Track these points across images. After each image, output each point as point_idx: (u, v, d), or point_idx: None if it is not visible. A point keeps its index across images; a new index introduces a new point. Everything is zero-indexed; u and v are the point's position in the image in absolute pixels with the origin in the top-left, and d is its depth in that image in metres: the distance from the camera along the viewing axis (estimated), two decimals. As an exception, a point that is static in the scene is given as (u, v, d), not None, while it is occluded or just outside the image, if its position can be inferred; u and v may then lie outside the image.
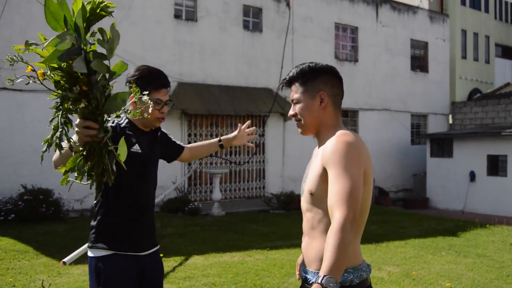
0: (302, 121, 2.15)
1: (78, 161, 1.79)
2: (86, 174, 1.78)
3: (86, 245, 2.82)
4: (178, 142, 2.89)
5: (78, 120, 1.75)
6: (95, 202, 2.49)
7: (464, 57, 20.30)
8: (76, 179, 1.81)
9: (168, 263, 6.30)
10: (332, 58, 15.19)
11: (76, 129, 1.74)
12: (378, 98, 16.32)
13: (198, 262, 6.45)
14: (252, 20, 13.82)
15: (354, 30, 15.99)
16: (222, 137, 3.05)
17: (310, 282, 2.03)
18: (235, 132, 3.09)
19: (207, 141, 3.04)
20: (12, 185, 9.63)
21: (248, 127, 3.15)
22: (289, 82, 2.19)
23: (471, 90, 20.30)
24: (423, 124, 18.00)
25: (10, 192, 9.50)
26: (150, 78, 2.47)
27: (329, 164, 1.93)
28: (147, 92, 1.99)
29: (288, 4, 14.21)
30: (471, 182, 14.33)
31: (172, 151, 2.84)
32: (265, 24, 13.84)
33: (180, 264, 6.33)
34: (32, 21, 10.39)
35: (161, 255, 6.60)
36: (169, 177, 11.85)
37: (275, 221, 10.12)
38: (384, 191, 15.70)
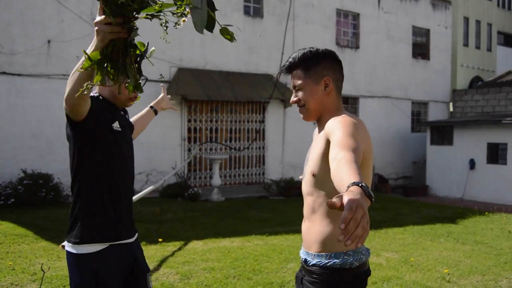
0: (306, 107, 2.14)
1: (98, 60, 1.58)
2: (110, 75, 1.59)
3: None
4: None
5: (99, 17, 1.56)
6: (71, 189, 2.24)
7: (466, 44, 20.17)
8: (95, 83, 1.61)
9: (167, 248, 6.32)
10: (333, 44, 15.10)
11: (97, 27, 1.57)
12: (379, 85, 16.26)
13: (197, 247, 6.47)
14: (253, 5, 13.71)
15: (356, 16, 15.89)
16: (152, 103, 2.97)
17: (310, 263, 2.04)
18: (161, 94, 3.02)
19: (143, 113, 2.89)
20: (12, 170, 9.63)
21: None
22: (289, 68, 2.17)
23: (472, 78, 20.22)
24: (423, 111, 17.96)
25: (10, 176, 9.51)
26: None
27: (333, 131, 1.89)
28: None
29: (289, -10, 14.10)
30: (471, 170, 14.35)
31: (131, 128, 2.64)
32: (266, 10, 13.74)
33: (179, 249, 6.35)
34: (31, 4, 10.32)
35: (160, 240, 6.64)
36: (169, 162, 11.87)
37: (274, 207, 10.14)
38: (383, 178, 15.72)
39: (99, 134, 2.16)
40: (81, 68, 1.62)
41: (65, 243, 2.20)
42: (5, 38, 10.03)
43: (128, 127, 2.45)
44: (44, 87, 10.35)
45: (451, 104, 18.51)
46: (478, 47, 20.74)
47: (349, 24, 15.86)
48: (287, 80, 2.32)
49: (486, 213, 10.21)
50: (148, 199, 8.97)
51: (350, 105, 15.75)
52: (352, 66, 15.47)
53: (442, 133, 15.39)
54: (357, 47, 15.85)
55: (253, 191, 12.28)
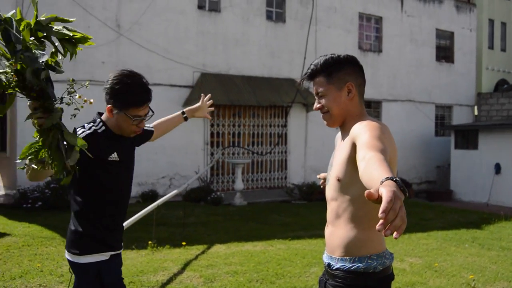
0: (330, 113, 2.15)
1: (32, 145, 1.86)
2: (46, 159, 1.86)
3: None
4: (147, 127, 2.78)
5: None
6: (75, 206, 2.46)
7: (491, 47, 19.87)
8: (34, 165, 1.89)
9: (191, 252, 6.39)
10: (355, 48, 15.06)
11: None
12: (402, 89, 16.14)
13: (220, 251, 6.53)
14: (276, 10, 13.77)
15: (379, 20, 15.81)
16: (185, 109, 3.03)
17: (333, 268, 2.07)
18: (199, 103, 3.08)
19: (172, 116, 2.99)
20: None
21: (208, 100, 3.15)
22: (312, 75, 2.18)
23: (497, 81, 19.90)
24: (447, 115, 17.74)
25: (37, 180, 9.71)
26: (131, 94, 2.35)
27: (360, 134, 1.90)
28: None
29: (311, -6, 14.12)
30: (496, 174, 14.11)
31: (143, 138, 2.76)
32: (288, 15, 13.79)
33: (203, 252, 6.42)
34: (59, 12, 10.49)
35: (184, 243, 6.71)
36: (192, 167, 11.98)
37: (297, 211, 10.15)
38: (407, 182, 15.56)
39: (93, 167, 2.33)
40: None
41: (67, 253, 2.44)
42: (33, 45, 10.26)
43: (129, 148, 2.59)
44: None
45: (476, 107, 18.24)
46: (503, 49, 20.42)
47: (371, 27, 15.80)
48: (309, 84, 2.33)
49: (513, 218, 10.04)
50: (172, 203, 9.06)
51: (373, 109, 15.66)
52: (375, 69, 15.40)
53: (466, 137, 15.18)
54: (379, 50, 15.77)
55: (276, 196, 12.30)
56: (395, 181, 1.38)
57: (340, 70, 2.13)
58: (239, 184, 11.11)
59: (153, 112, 2.48)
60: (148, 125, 2.81)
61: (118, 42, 11.20)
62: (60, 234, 7.03)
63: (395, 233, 1.26)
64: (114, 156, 2.41)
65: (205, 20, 12.47)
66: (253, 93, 12.65)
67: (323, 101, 2.16)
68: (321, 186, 2.69)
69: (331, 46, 14.35)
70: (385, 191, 1.29)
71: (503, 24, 20.45)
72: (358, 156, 1.76)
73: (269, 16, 13.62)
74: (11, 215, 8.40)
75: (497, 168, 14.10)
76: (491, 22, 19.95)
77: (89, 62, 10.80)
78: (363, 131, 1.90)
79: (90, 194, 2.40)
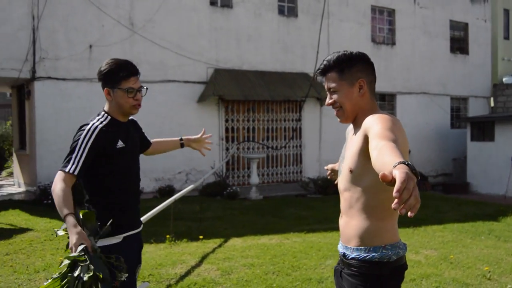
0: (343, 109, 2.20)
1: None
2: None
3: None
4: (148, 137, 3.02)
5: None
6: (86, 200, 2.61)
7: (506, 37, 19.64)
8: None
9: (208, 245, 6.49)
10: (368, 41, 15.02)
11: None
12: (416, 81, 16.07)
13: (237, 244, 6.62)
14: (287, 5, 13.79)
15: (391, 12, 15.74)
16: (184, 137, 3.22)
17: (349, 257, 2.13)
18: (198, 135, 3.30)
19: (170, 139, 3.20)
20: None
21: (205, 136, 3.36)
22: (324, 71, 2.23)
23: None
24: (463, 107, 17.62)
25: (56, 177, 9.91)
26: (118, 70, 2.56)
27: (372, 125, 1.95)
28: None
29: (323, -12, 14.10)
30: (513, 166, 13.99)
31: (142, 145, 2.96)
32: (300, 9, 13.80)
33: (220, 245, 6.52)
34: (73, 11, 10.71)
35: (201, 237, 6.82)
36: (208, 162, 12.08)
37: (312, 205, 10.20)
38: (422, 175, 15.50)
39: (106, 158, 2.56)
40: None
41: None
42: (49, 44, 10.46)
43: (134, 136, 2.77)
44: (86, 90, 10.73)
45: (492, 99, 18.07)
46: (519, 39, 20.18)
47: (384, 20, 15.73)
48: (322, 79, 2.37)
49: (530, 210, 9.98)
50: (188, 197, 9.18)
51: (387, 102, 15.62)
52: (388, 62, 15.34)
53: (482, 129, 15.06)
54: (393, 43, 15.70)
55: (291, 189, 12.37)
56: (407, 164, 1.44)
57: (353, 67, 2.17)
58: (255, 179, 11.20)
59: (146, 88, 2.68)
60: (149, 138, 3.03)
61: (132, 40, 11.32)
62: (80, 229, 7.18)
63: (409, 212, 1.33)
64: (120, 143, 2.59)
65: (218, 16, 12.54)
66: (267, 88, 12.71)
67: (335, 96, 2.20)
68: (328, 177, 2.83)
69: (343, 39, 14.33)
70: (398, 173, 1.37)
71: (519, 14, 20.20)
72: (370, 146, 1.82)
73: (281, 11, 13.64)
74: (33, 211, 8.60)
75: (514, 160, 13.98)
76: (506, 12, 19.71)
77: (104, 60, 10.86)
78: (375, 123, 1.95)
79: (101, 181, 2.57)
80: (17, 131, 12.53)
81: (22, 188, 11.68)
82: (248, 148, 12.96)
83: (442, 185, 15.84)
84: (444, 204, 10.89)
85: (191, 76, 11.99)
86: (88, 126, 2.53)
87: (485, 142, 14.93)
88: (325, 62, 2.22)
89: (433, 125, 16.41)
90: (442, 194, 14.00)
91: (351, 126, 2.32)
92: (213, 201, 10.39)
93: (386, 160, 1.58)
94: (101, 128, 2.53)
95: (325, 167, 2.96)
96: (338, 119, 2.26)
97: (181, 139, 3.19)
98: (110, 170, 2.57)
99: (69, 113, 10.57)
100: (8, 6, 10.13)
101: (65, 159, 2.51)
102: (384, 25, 15.77)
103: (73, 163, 2.47)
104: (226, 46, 12.62)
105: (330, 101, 2.23)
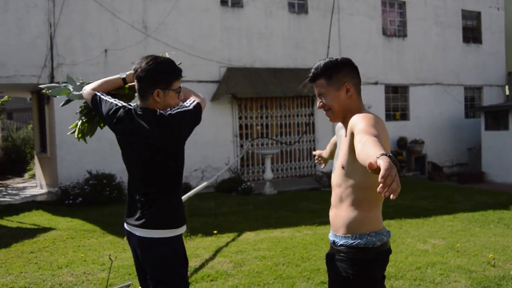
0: (332, 110, 2.44)
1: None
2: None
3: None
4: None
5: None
6: (150, 190, 2.63)
7: (521, 24, 19.47)
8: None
9: (222, 239, 6.76)
10: (379, 34, 15.10)
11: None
12: (429, 72, 16.09)
13: (249, 238, 6.87)
14: (298, 2, 13.95)
15: (402, 4, 15.77)
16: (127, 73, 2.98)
17: (338, 244, 2.38)
18: None
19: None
20: (79, 171, 10.42)
21: None
22: (313, 79, 2.46)
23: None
24: (477, 96, 17.56)
25: (77, 177, 10.30)
26: (171, 70, 2.62)
27: (357, 123, 2.19)
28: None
29: (333, -17, 14.22)
30: (529, 154, 13.98)
31: None
32: (310, 5, 13.94)
33: (233, 239, 6.78)
34: (89, 18, 11.05)
35: (215, 232, 7.09)
36: (222, 158, 12.36)
37: (325, 198, 10.29)
38: (437, 166, 15.57)
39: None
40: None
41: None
42: (66, 50, 10.82)
43: None
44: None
45: (507, 87, 17.97)
46: (534, 26, 19.96)
47: (395, 12, 15.78)
48: (312, 85, 2.48)
49: (542, 197, 10.03)
50: (204, 194, 9.46)
51: (400, 94, 15.69)
52: (400, 54, 15.41)
53: (497, 118, 15.05)
54: (404, 35, 15.74)
55: (305, 184, 12.58)
56: (389, 156, 1.69)
57: (339, 72, 2.40)
58: (269, 174, 11.43)
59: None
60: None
61: (145, 42, 11.63)
62: (100, 227, 7.52)
63: (392, 195, 1.58)
64: None
65: (229, 16, 12.78)
66: (279, 85, 12.92)
67: (325, 100, 2.44)
68: (316, 162, 3.16)
69: (354, 33, 14.45)
70: (383, 162, 1.62)
71: (534, 0, 19.97)
72: (355, 140, 2.06)
73: (291, 8, 13.81)
74: (55, 211, 8.98)
75: (529, 148, 13.97)
76: (521, -2, 19.52)
77: (119, 64, 11.26)
78: (359, 121, 2.19)
79: (180, 171, 2.74)
80: (38, 135, 12.96)
81: (44, 190, 12.10)
82: (262, 144, 13.20)
83: (457, 175, 15.88)
84: (457, 194, 10.97)
85: (204, 76, 12.25)
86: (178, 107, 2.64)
87: (499, 131, 14.93)
88: (313, 70, 2.45)
89: (447, 115, 16.42)
90: (457, 184, 14.06)
91: (340, 124, 2.57)
92: (228, 197, 10.66)
93: (370, 151, 1.81)
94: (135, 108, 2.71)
95: (313, 152, 3.27)
96: (329, 119, 2.50)
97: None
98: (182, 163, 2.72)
99: (87, 115, 10.90)
100: (26, 15, 10.51)
101: (183, 105, 2.65)
102: (395, 17, 15.81)
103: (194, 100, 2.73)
104: (237, 45, 12.86)
105: (320, 104, 2.47)
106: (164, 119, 2.53)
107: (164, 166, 2.61)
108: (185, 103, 2.65)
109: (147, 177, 2.64)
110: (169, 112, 2.57)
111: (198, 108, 2.68)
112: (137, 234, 2.61)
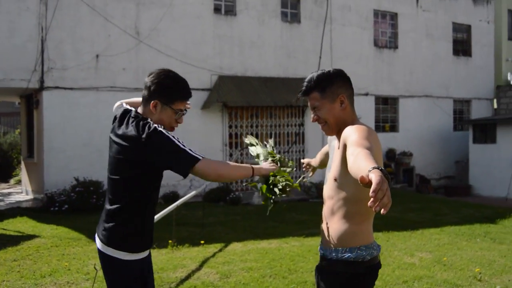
0: (328, 124, 2.41)
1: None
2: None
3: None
4: None
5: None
6: (118, 206, 2.48)
7: (511, 38, 19.69)
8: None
9: (209, 250, 6.71)
10: (371, 45, 15.19)
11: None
12: (418, 84, 16.19)
13: (237, 249, 6.83)
14: (290, 11, 14.00)
15: (394, 16, 15.89)
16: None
17: (328, 257, 2.37)
18: None
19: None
20: (65, 178, 10.32)
21: None
22: (306, 92, 2.43)
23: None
24: (466, 109, 17.70)
25: (63, 184, 10.20)
26: (178, 89, 2.52)
27: (350, 135, 2.17)
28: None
29: (325, -6, 14.29)
30: (516, 168, 14.08)
31: None
32: (303, 15, 14.00)
33: (220, 250, 6.73)
34: (80, 22, 11.00)
35: (202, 242, 7.03)
36: (211, 167, 12.28)
37: (313, 209, 10.34)
38: (425, 178, 15.64)
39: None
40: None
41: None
42: (57, 55, 10.76)
43: None
44: (93, 99, 11.02)
45: (495, 101, 18.12)
46: (524, 41, 20.21)
47: (387, 24, 15.89)
48: (305, 98, 2.42)
49: (529, 212, 10.09)
50: (192, 203, 9.40)
51: (389, 105, 15.76)
52: (391, 66, 15.50)
53: (485, 131, 15.15)
54: (395, 47, 15.85)
55: (293, 194, 12.54)
56: (381, 170, 1.67)
57: (333, 84, 2.38)
58: (258, 184, 11.37)
59: (186, 110, 2.59)
60: None
61: (137, 48, 11.59)
62: (86, 235, 7.43)
63: (382, 209, 1.56)
64: None
65: (221, 24, 12.79)
66: (270, 94, 12.92)
67: (319, 113, 2.41)
68: (303, 169, 3.20)
69: (346, 44, 14.52)
70: (374, 176, 1.60)
71: (523, 15, 20.24)
72: (348, 152, 2.05)
73: (284, 17, 13.86)
74: (40, 218, 8.87)
75: (516, 162, 14.07)
76: (511, 12, 19.76)
77: (110, 69, 11.23)
78: (352, 133, 2.17)
79: (148, 191, 2.54)
80: (25, 140, 12.84)
81: (30, 196, 11.97)
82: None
83: (444, 187, 15.95)
84: (444, 207, 11.02)
85: (195, 83, 12.19)
86: (161, 129, 2.39)
87: (487, 144, 15.03)
88: (306, 84, 2.42)
89: (436, 128, 16.52)
90: (444, 197, 14.12)
91: (332, 137, 2.55)
92: (216, 206, 10.61)
93: (362, 165, 1.80)
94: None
95: (302, 160, 3.25)
96: (324, 133, 2.48)
97: None
98: (157, 183, 2.59)
99: (76, 122, 10.85)
100: (17, 18, 10.44)
101: (191, 157, 2.36)
102: (387, 29, 15.92)
103: (195, 152, 2.39)
104: (229, 53, 12.86)
105: (315, 118, 2.44)
106: (146, 133, 2.35)
107: (130, 182, 2.46)
108: (182, 142, 2.40)
109: (113, 187, 2.53)
110: (158, 129, 2.39)
111: (189, 158, 2.37)
112: (97, 244, 2.55)
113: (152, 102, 2.47)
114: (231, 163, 2.43)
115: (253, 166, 2.54)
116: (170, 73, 2.53)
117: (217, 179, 2.45)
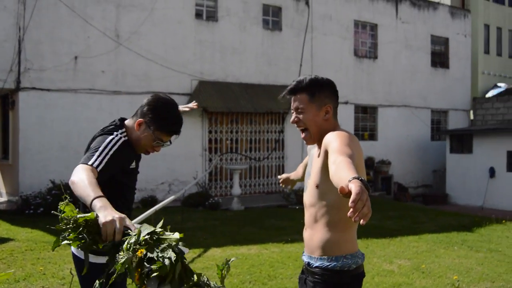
0: (310, 132, 2.36)
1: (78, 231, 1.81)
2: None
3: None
4: None
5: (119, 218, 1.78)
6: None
7: (487, 52, 20.14)
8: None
9: (188, 255, 6.58)
10: (351, 55, 15.33)
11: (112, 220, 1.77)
12: (397, 94, 16.40)
13: (216, 254, 6.76)
14: (272, 19, 14.05)
15: (374, 27, 16.08)
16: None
17: (313, 266, 2.31)
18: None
19: None
20: (41, 180, 10.11)
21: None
22: (294, 91, 2.37)
23: (494, 85, 20.12)
24: (443, 120, 17.98)
25: (39, 186, 9.98)
26: (168, 122, 2.52)
27: (331, 141, 2.14)
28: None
29: (307, 3, 14.39)
30: (491, 178, 14.33)
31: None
32: (284, 23, 14.06)
33: (199, 256, 6.66)
34: (59, 23, 10.83)
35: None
36: (190, 172, 12.22)
37: (293, 216, 10.35)
38: (403, 187, 15.80)
39: (119, 175, 2.50)
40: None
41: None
42: (35, 55, 10.56)
43: (139, 159, 2.77)
44: (71, 101, 10.84)
45: (471, 112, 18.47)
46: (499, 54, 20.69)
47: (367, 34, 16.07)
48: (290, 97, 2.35)
49: (504, 221, 10.24)
50: (170, 208, 9.30)
51: (369, 114, 15.91)
52: (370, 76, 15.66)
53: (461, 142, 15.40)
54: (375, 57, 16.03)
55: (273, 200, 12.53)
56: (361, 180, 1.64)
57: (322, 92, 2.34)
58: (237, 190, 11.35)
59: (170, 144, 2.61)
60: None
61: (117, 51, 11.47)
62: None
63: (362, 220, 1.53)
64: (133, 164, 2.61)
65: (203, 29, 12.75)
66: (250, 100, 12.91)
67: (301, 116, 2.36)
68: (280, 184, 3.13)
69: (327, 53, 14.63)
70: (354, 186, 1.57)
71: (499, 29, 20.74)
72: (329, 160, 2.01)
73: (265, 25, 13.90)
74: (14, 220, 8.65)
75: (491, 172, 14.32)
76: (487, 27, 20.23)
77: (89, 71, 11.07)
78: (333, 139, 2.14)
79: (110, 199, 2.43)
80: (0, 141, 12.55)
81: (4, 198, 11.69)
82: (231, 159, 13.12)
83: (422, 196, 16.14)
84: (422, 215, 11.13)
85: (175, 88, 12.13)
86: (113, 136, 2.43)
87: (463, 154, 15.27)
88: (296, 83, 2.35)
89: (414, 137, 16.73)
90: (422, 205, 14.27)
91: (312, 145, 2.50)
92: (195, 211, 10.51)
93: (343, 175, 1.77)
94: (124, 141, 2.47)
95: (279, 176, 3.19)
96: (305, 142, 2.43)
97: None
98: (120, 188, 2.55)
99: (53, 123, 10.66)
100: (-6, 17, 10.24)
101: (85, 157, 2.33)
102: (367, 39, 16.10)
103: (96, 159, 2.30)
104: (210, 58, 12.82)
105: (296, 119, 2.38)
106: (98, 132, 2.47)
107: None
108: (111, 148, 2.38)
109: None
110: (121, 138, 2.45)
111: (86, 157, 2.36)
112: (71, 248, 2.47)
113: (139, 120, 2.51)
114: (88, 181, 2.12)
115: (99, 201, 1.95)
116: (170, 105, 2.54)
117: (70, 184, 2.27)
